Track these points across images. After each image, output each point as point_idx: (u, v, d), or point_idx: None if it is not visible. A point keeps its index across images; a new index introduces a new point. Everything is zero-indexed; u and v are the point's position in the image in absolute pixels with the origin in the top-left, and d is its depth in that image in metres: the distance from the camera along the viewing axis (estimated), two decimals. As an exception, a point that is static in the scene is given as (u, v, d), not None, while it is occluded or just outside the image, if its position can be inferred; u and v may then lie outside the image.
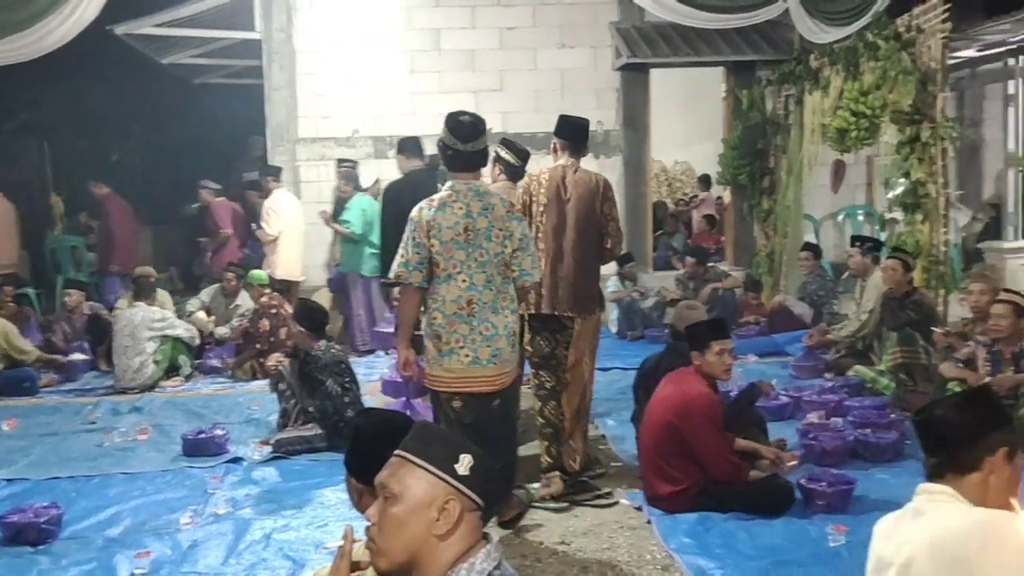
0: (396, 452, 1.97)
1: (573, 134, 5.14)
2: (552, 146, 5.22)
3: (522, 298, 4.45)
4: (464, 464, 1.93)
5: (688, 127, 14.54)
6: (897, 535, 2.31)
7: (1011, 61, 8.47)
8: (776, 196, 10.20)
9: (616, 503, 4.83)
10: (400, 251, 4.17)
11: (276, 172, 9.72)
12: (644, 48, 10.31)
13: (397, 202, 7.04)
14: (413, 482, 1.91)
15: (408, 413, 5.39)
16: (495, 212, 4.18)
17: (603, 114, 10.66)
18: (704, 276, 9.89)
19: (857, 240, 7.95)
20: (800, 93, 9.43)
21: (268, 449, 5.90)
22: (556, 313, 4.99)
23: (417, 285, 4.14)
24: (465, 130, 4.22)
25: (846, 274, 8.46)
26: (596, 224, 5.03)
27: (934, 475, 2.33)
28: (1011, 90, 8.52)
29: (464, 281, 4.10)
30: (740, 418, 5.01)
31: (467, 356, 4.10)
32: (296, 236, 9.59)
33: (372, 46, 10.61)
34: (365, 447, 2.34)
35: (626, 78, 10.69)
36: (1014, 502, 2.28)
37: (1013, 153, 8.28)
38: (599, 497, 4.87)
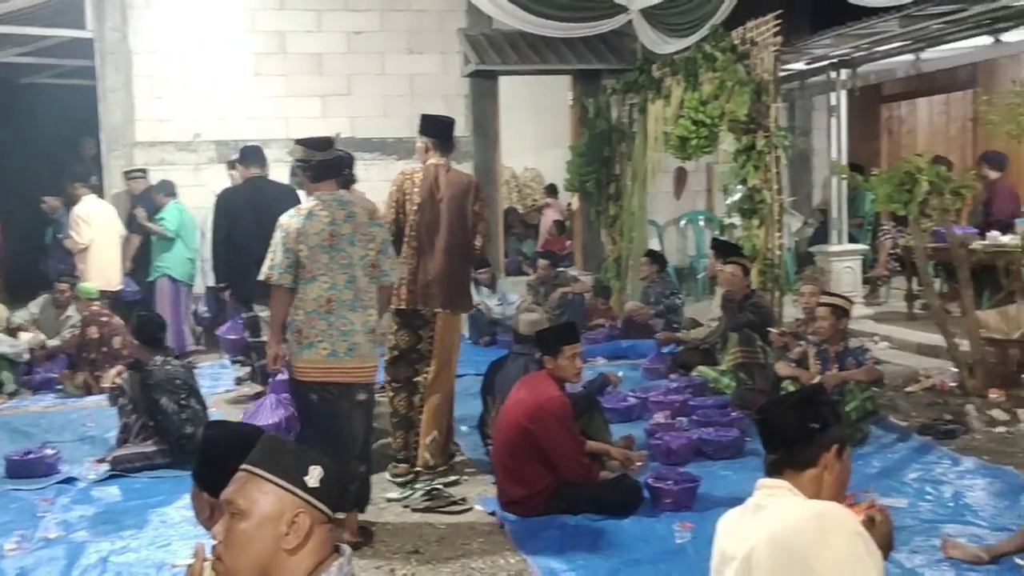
0: (242, 467, 1.90)
1: (441, 132, 5.34)
2: (422, 146, 5.33)
3: (384, 296, 4.67)
4: (314, 476, 1.88)
5: (537, 134, 14.73)
6: (740, 530, 2.40)
7: (833, 74, 8.98)
8: (622, 202, 10.47)
9: (470, 509, 4.84)
10: (269, 255, 4.43)
11: (87, 178, 9.41)
12: (492, 55, 10.40)
13: (228, 209, 6.91)
14: (260, 496, 1.84)
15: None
16: (357, 219, 4.47)
17: (453, 120, 10.68)
18: (554, 281, 10.04)
19: (715, 244, 8.24)
20: (643, 102, 9.71)
21: (105, 467, 5.61)
22: (420, 310, 5.21)
23: (287, 286, 4.39)
24: (316, 142, 4.56)
25: (701, 275, 8.71)
26: (467, 223, 5.30)
27: (773, 471, 2.44)
28: (833, 101, 9.02)
29: (326, 282, 4.37)
30: (587, 408, 5.11)
31: (325, 349, 4.33)
32: (109, 244, 9.24)
33: (214, 48, 10.29)
34: (219, 460, 2.25)
35: (475, 85, 10.75)
36: (846, 496, 2.42)
37: (836, 161, 8.77)
38: (453, 504, 4.88)
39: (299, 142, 4.59)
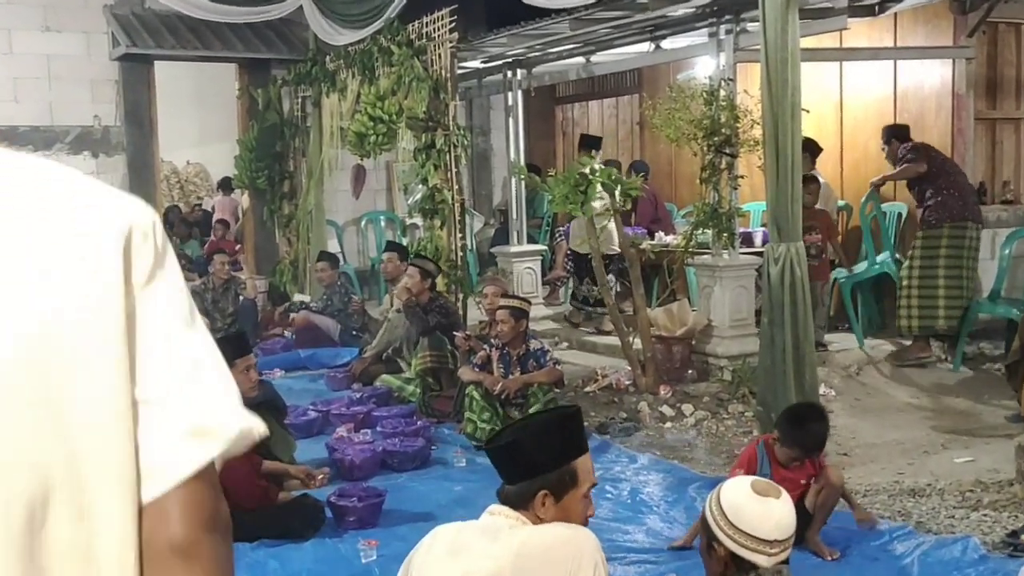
0: None
1: None
2: None
3: None
4: None
5: (201, 126, 14.17)
6: (467, 552, 2.48)
7: (509, 73, 9.39)
8: (297, 201, 10.31)
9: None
10: None
11: None
12: (146, 38, 9.82)
13: None
14: None
15: None
16: None
17: (101, 108, 9.98)
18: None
19: (390, 246, 8.33)
20: (317, 95, 9.62)
21: None
22: None
23: None
24: None
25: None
26: None
27: (504, 499, 2.60)
28: (510, 101, 9.44)
29: None
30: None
31: None
32: None
33: None
34: None
35: (127, 69, 10.09)
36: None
37: (515, 161, 9.18)
38: None
39: None
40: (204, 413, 1.02)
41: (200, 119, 13.97)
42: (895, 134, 7.57)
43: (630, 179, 7.01)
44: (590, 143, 8.59)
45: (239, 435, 1.03)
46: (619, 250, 7.54)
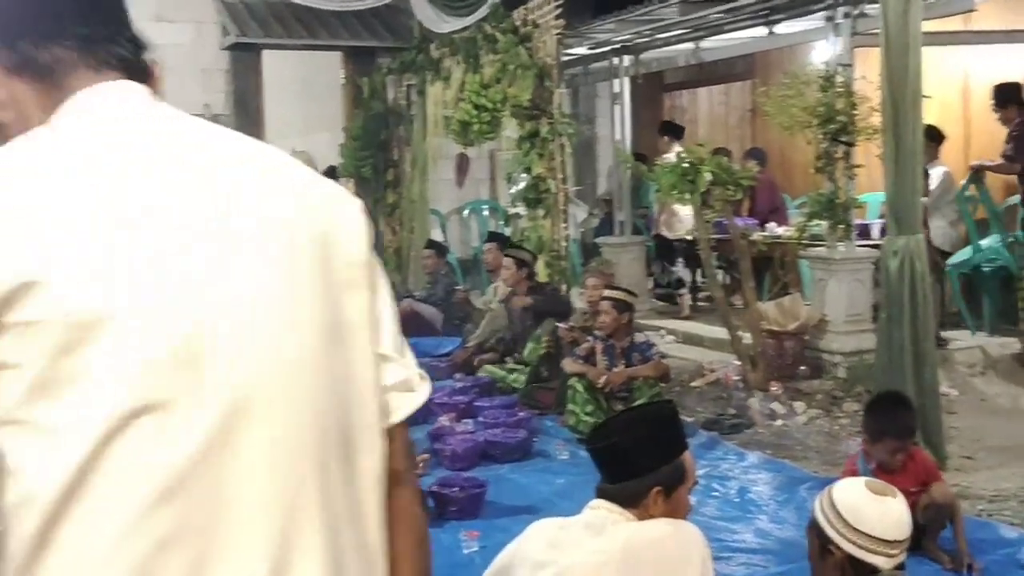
0: None
1: None
2: None
3: None
4: None
5: (307, 115, 14.44)
6: (571, 546, 2.51)
7: (615, 60, 9.34)
8: (401, 190, 10.46)
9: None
10: None
11: None
12: (254, 27, 10.10)
13: None
14: None
15: None
16: None
17: (211, 97, 10.33)
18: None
19: (491, 236, 8.38)
20: (422, 83, 9.74)
21: None
22: None
23: None
24: None
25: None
26: None
27: (605, 496, 2.61)
28: (616, 88, 9.39)
29: None
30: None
31: None
32: None
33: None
34: None
35: (235, 59, 10.40)
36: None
37: (620, 150, 9.14)
38: None
39: None
40: (411, 373, 1.27)
41: (306, 108, 14.24)
42: (1014, 97, 7.17)
43: (745, 167, 6.92)
44: (671, 129, 8.56)
45: (424, 398, 1.27)
46: (689, 237, 7.72)
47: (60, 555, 1.01)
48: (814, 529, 2.75)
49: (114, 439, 1.02)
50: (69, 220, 1.04)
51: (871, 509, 2.65)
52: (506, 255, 7.32)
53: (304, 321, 1.15)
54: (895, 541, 2.63)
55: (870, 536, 2.62)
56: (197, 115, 1.29)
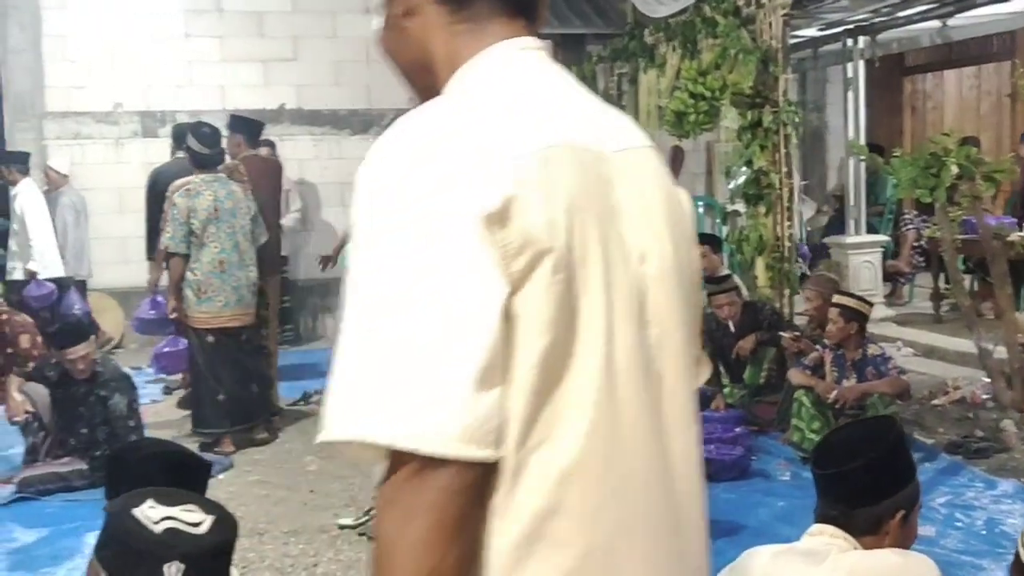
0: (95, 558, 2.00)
1: (250, 130, 7.35)
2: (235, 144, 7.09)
3: (260, 256, 6.53)
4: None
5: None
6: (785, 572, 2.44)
7: (850, 42, 9.04)
8: (610, 185, 10.47)
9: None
10: (168, 229, 6.21)
11: (23, 159, 9.18)
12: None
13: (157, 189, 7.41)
14: None
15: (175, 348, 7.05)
16: (236, 196, 6.38)
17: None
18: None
19: (703, 239, 8.22)
20: (634, 72, 9.72)
21: (10, 489, 5.53)
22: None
23: (183, 253, 6.20)
24: (207, 139, 6.40)
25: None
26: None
27: (830, 521, 2.50)
28: (850, 73, 9.09)
29: (216, 247, 6.23)
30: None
31: (220, 302, 6.24)
32: (49, 230, 9.14)
33: (138, 4, 10.18)
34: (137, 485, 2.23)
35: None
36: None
37: (854, 140, 8.84)
38: None
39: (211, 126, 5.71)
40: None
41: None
42: None
43: (1000, 159, 6.54)
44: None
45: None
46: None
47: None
48: (1017, 568, 2.52)
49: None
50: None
51: None
52: (719, 291, 6.85)
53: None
54: None
55: None
56: (402, 110, 1.32)
